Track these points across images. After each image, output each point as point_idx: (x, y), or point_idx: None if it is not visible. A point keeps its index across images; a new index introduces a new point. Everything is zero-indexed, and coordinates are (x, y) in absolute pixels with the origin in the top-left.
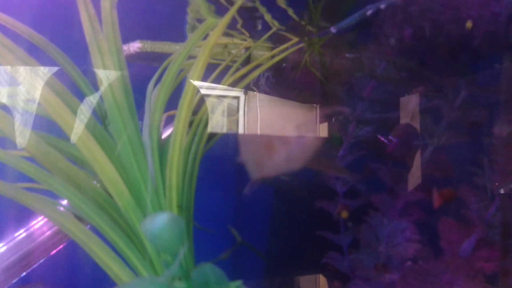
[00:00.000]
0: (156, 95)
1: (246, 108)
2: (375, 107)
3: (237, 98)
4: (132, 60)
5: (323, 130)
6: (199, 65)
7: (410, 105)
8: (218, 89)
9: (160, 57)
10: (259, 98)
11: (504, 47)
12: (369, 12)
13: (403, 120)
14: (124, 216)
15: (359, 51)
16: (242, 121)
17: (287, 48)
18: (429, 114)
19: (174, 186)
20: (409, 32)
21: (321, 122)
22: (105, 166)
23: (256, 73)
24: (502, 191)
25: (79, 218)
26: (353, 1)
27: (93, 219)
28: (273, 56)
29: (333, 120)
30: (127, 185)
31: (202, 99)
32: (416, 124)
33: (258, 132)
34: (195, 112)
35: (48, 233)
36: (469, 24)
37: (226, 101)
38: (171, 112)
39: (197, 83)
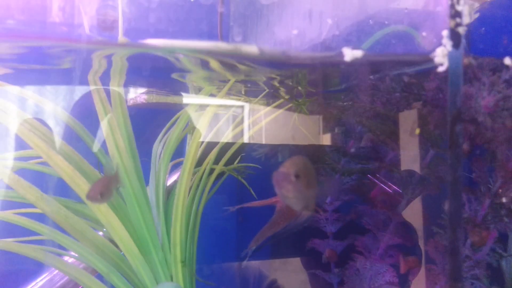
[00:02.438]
0: (161, 156)
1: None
2: (357, 160)
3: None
4: (140, 106)
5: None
6: (200, 130)
7: (409, 120)
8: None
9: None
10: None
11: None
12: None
13: (404, 133)
14: (134, 271)
15: (340, 113)
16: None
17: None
18: (405, 168)
19: (178, 243)
20: (379, 102)
21: None
22: (117, 227)
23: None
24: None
25: (92, 270)
26: (337, 77)
27: (105, 273)
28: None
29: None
30: (136, 243)
31: (207, 150)
32: (415, 138)
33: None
34: (199, 163)
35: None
36: (417, 131)
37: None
38: (177, 161)
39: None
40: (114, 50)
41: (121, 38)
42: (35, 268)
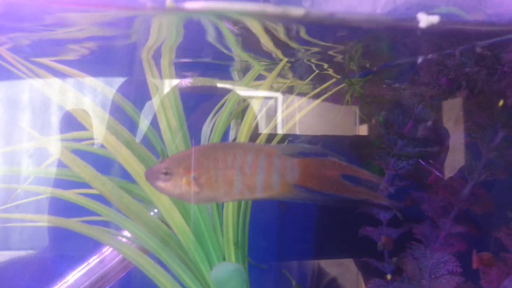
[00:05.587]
0: (211, 138)
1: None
2: (415, 143)
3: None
4: (185, 91)
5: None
6: (250, 115)
7: (454, 109)
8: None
9: (209, 89)
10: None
11: None
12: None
13: (447, 122)
14: (186, 251)
15: (397, 93)
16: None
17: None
18: (469, 151)
19: (230, 224)
20: (444, 79)
21: None
22: (169, 207)
23: (303, 112)
24: None
25: (144, 250)
26: (390, 49)
27: (157, 252)
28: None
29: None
30: (188, 224)
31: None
32: (460, 127)
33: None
34: None
35: (118, 258)
36: (501, 102)
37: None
38: None
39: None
40: (161, 15)
41: (168, 2)
42: (89, 247)
